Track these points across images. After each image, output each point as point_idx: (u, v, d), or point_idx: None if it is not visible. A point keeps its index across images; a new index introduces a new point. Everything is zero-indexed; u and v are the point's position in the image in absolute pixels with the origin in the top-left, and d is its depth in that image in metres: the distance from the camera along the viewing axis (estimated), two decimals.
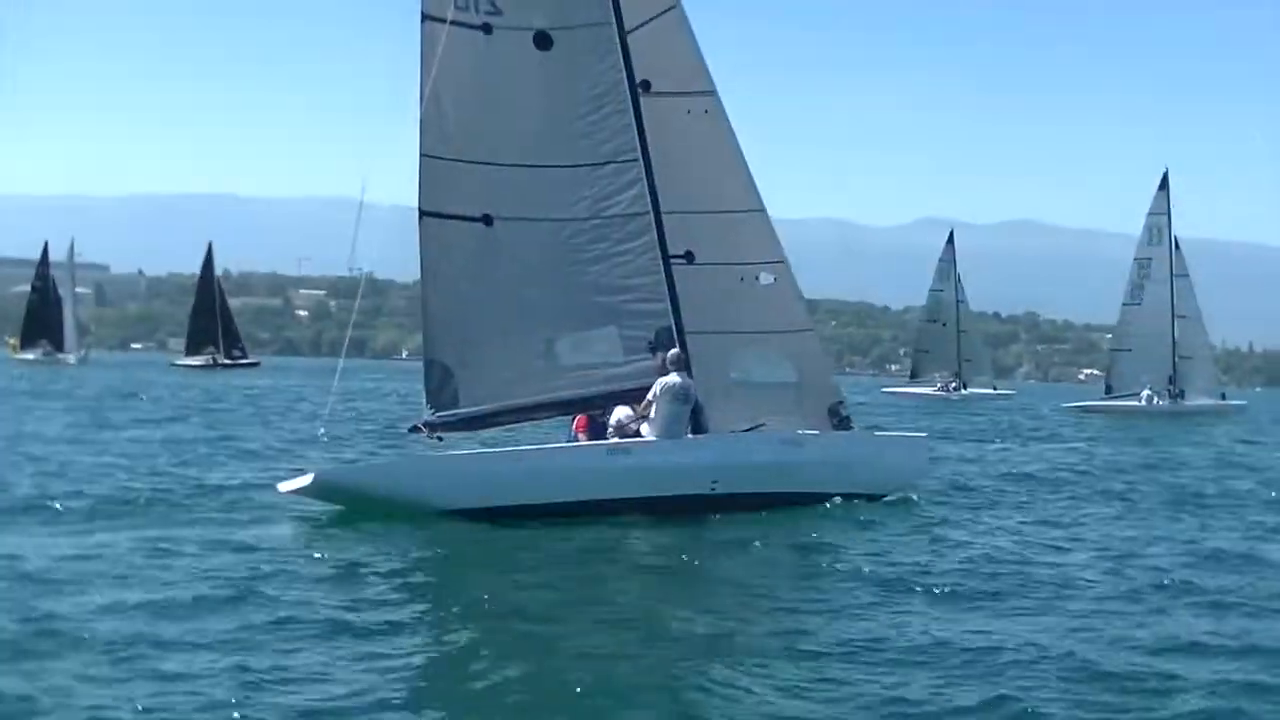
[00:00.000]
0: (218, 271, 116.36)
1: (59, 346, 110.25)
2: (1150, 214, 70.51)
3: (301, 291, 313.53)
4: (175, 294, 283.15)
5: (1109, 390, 71.42)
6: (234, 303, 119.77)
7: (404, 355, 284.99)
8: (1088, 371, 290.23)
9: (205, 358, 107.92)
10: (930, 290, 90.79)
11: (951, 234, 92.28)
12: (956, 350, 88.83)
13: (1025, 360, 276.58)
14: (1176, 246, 70.38)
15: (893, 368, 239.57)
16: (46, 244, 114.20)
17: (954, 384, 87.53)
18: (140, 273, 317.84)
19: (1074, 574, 15.51)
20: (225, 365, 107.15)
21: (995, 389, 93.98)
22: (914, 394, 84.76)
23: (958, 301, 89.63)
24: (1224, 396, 73.45)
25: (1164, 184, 70.56)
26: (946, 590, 13.91)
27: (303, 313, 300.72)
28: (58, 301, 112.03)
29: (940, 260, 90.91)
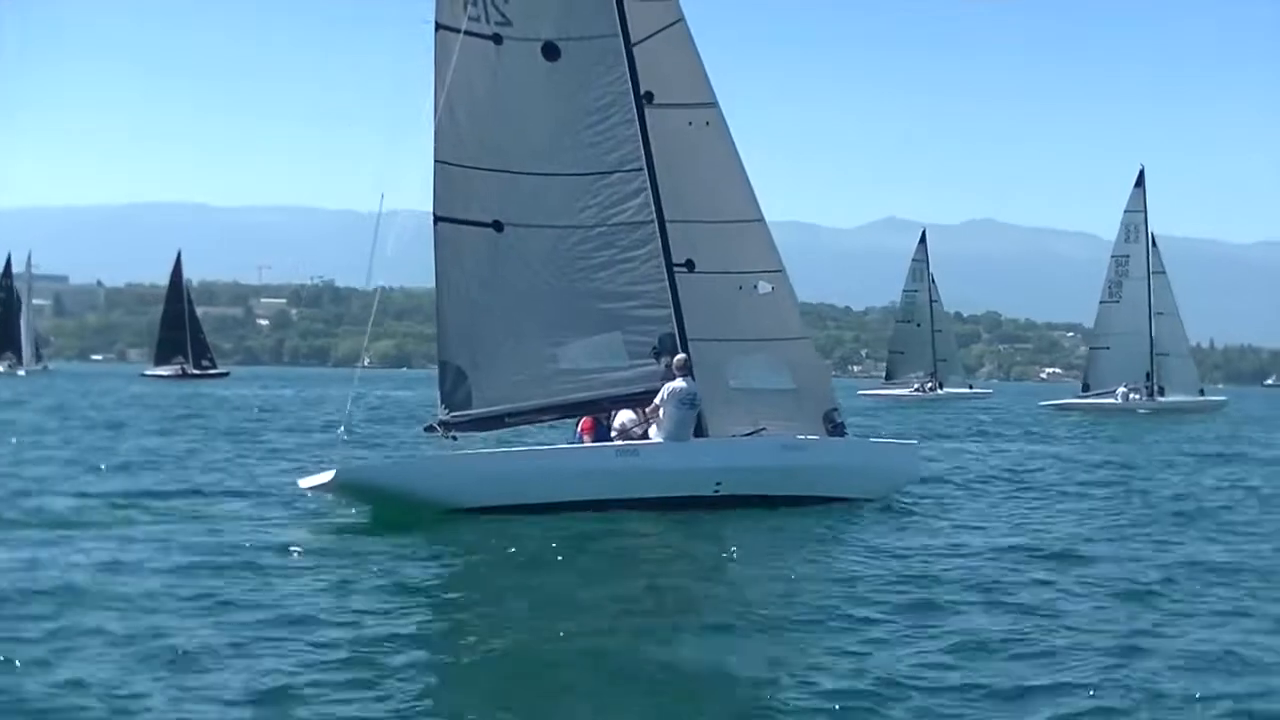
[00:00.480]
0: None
1: (19, 358, 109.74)
2: (1127, 211, 71.13)
3: (263, 300, 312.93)
4: (134, 304, 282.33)
5: (1086, 388, 71.88)
6: (196, 311, 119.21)
7: (366, 363, 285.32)
8: (1050, 370, 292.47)
9: (174, 368, 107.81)
10: (904, 291, 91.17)
11: (924, 234, 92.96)
12: (932, 350, 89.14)
13: (988, 360, 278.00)
14: (1153, 244, 70.97)
15: (855, 369, 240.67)
16: (10, 255, 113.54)
17: (930, 384, 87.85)
18: (99, 284, 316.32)
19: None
20: (194, 375, 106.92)
21: (971, 388, 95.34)
22: (891, 395, 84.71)
23: (932, 302, 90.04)
24: (1203, 393, 74.07)
25: (1140, 181, 71.24)
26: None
27: (264, 321, 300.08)
28: (20, 313, 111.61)
29: (914, 260, 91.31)
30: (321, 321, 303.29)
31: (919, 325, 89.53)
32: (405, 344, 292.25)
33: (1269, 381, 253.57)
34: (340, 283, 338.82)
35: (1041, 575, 15.32)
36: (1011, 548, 17.41)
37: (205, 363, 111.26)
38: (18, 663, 10.36)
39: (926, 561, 16.07)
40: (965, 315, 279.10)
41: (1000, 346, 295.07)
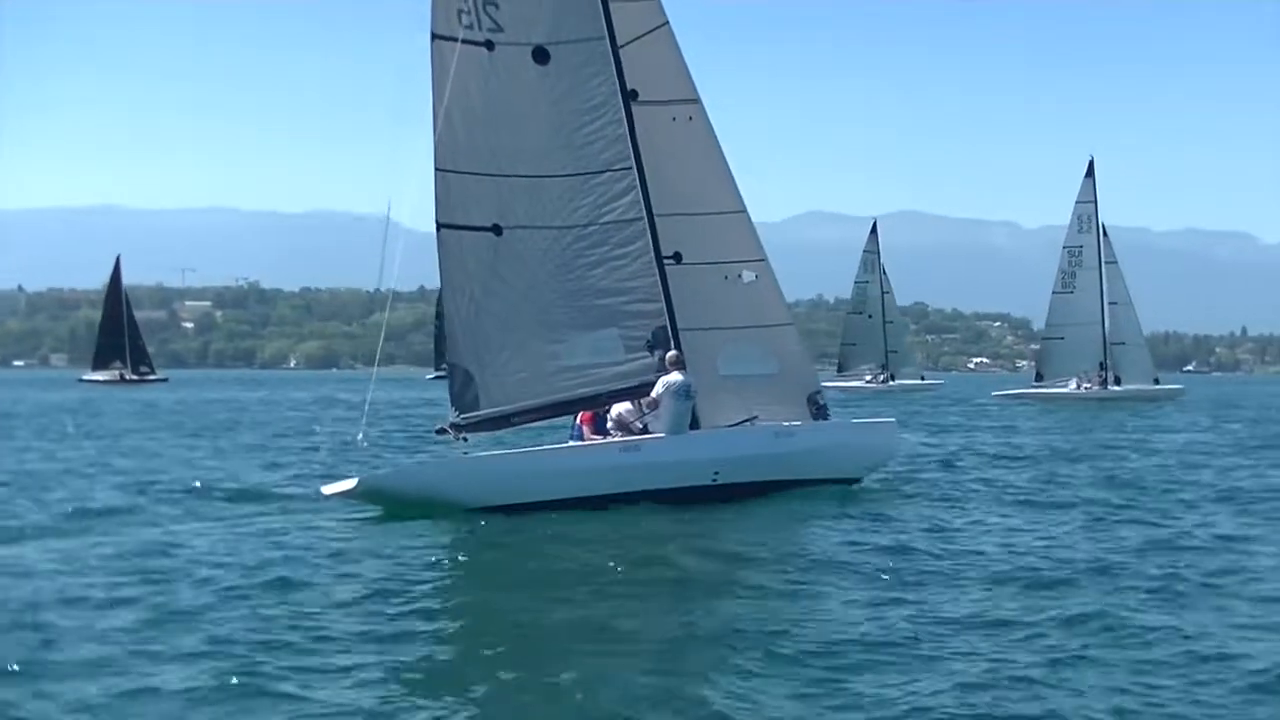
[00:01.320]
0: (99, 285, 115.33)
1: None
2: (1078, 202, 71.61)
3: (187, 303, 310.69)
4: (56, 309, 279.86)
5: (1040, 378, 72.50)
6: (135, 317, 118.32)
7: (292, 364, 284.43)
8: (977, 360, 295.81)
9: (113, 373, 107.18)
10: (855, 282, 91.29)
11: (875, 225, 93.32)
12: (884, 342, 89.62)
13: (916, 350, 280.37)
14: (1104, 234, 71.80)
15: None
16: None
17: (882, 375, 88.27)
18: (20, 288, 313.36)
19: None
20: (133, 381, 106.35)
21: (923, 379, 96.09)
22: (844, 387, 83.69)
23: (883, 293, 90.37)
24: (1158, 381, 74.57)
25: (1090, 171, 71.78)
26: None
27: (188, 325, 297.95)
28: None
29: (865, 252, 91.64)
30: (247, 323, 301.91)
31: (870, 317, 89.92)
32: (333, 344, 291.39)
33: (1188, 368, 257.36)
34: (266, 284, 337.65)
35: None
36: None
37: (144, 368, 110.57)
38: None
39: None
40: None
41: (928, 337, 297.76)
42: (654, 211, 21.56)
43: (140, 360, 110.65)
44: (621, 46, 21.57)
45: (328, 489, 19.88)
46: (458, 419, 20.75)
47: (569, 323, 21.18)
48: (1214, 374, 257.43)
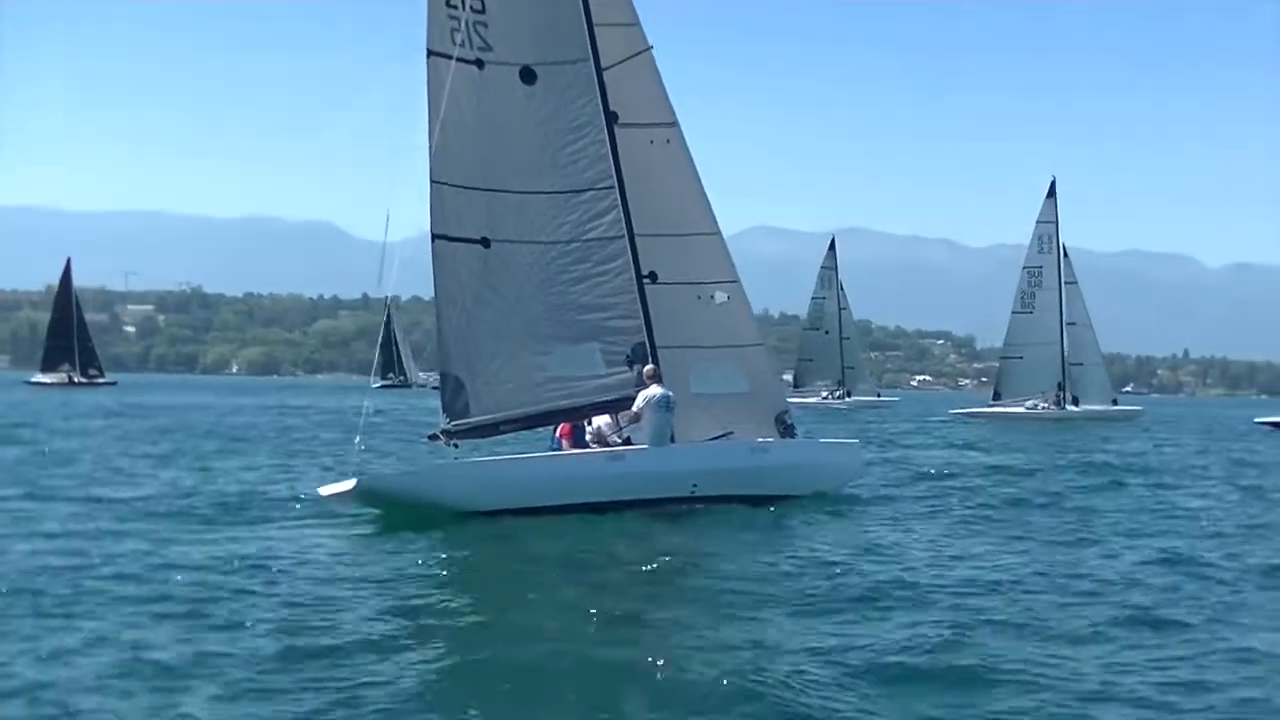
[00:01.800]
0: (39, 286, 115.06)
1: None
2: (1039, 222, 72.22)
3: (129, 307, 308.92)
4: None
5: (998, 396, 72.63)
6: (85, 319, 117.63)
7: (234, 370, 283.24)
8: (920, 377, 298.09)
9: (61, 375, 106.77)
10: (813, 298, 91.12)
11: (833, 241, 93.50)
12: (840, 358, 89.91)
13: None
14: (1065, 254, 72.22)
15: None
16: None
17: (839, 392, 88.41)
18: None
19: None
20: (81, 384, 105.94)
21: (879, 396, 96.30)
22: (801, 404, 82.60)
23: (840, 309, 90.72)
24: (1116, 402, 75.31)
25: (1051, 192, 72.32)
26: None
27: (130, 328, 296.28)
28: None
29: (823, 268, 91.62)
30: (189, 328, 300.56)
31: (827, 333, 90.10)
32: (275, 351, 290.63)
33: (1126, 389, 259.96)
34: (209, 289, 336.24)
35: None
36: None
37: (93, 371, 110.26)
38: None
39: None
40: None
41: (871, 354, 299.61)
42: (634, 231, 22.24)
43: (89, 363, 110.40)
44: (605, 70, 22.23)
45: (325, 490, 20.45)
46: (449, 425, 21.36)
47: (554, 335, 21.87)
48: (1152, 395, 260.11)
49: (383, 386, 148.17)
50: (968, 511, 23.08)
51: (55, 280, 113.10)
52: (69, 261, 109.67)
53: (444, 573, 16.24)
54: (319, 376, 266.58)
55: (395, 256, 21.95)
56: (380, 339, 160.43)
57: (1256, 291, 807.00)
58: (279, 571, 15.33)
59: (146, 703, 9.98)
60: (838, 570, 15.82)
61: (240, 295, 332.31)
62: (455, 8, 21.31)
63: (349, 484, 19.88)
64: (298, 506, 21.36)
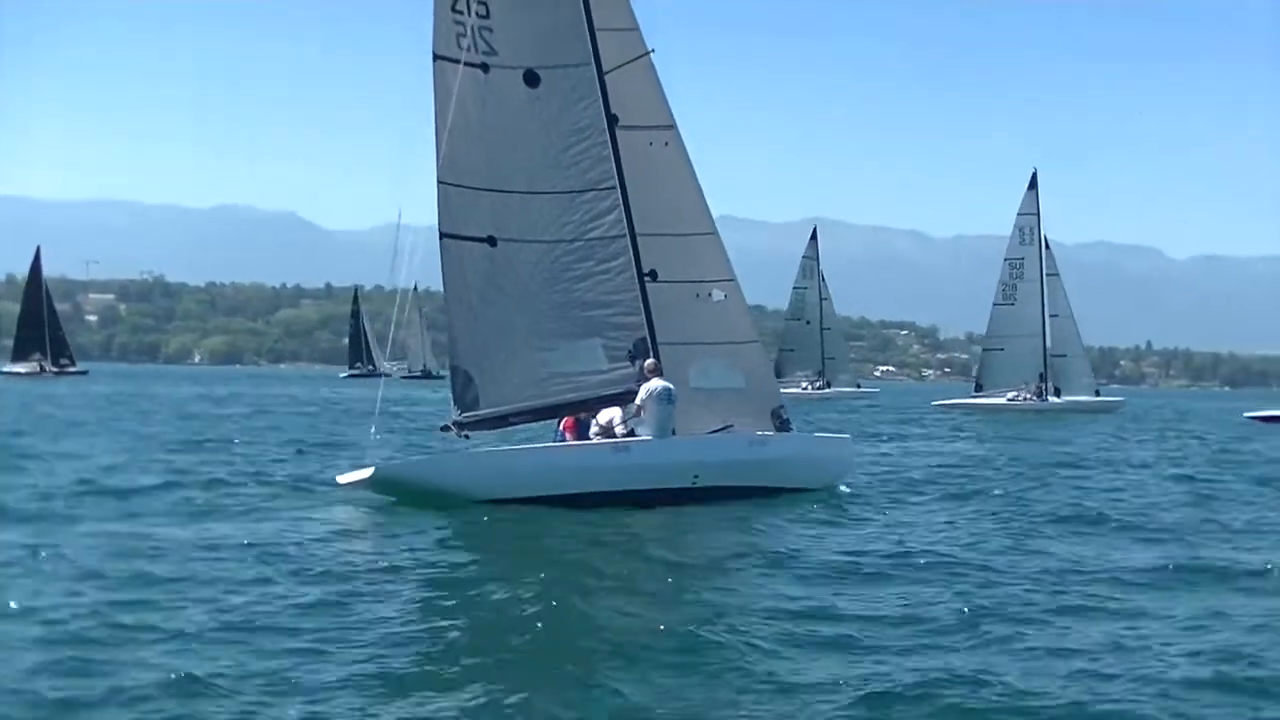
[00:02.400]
0: (1, 275, 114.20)
1: None
2: (1020, 214, 72.28)
3: (91, 296, 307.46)
4: None
5: (979, 388, 73.01)
6: (16, 307, 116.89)
7: (196, 360, 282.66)
8: (884, 368, 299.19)
9: (32, 365, 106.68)
10: (794, 288, 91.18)
11: (815, 232, 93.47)
12: (821, 348, 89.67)
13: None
14: (1046, 246, 72.42)
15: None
16: None
17: (819, 382, 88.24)
18: None
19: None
20: (54, 373, 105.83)
21: (859, 387, 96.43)
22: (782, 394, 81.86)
23: (821, 299, 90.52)
24: (1098, 393, 75.53)
25: (1033, 184, 72.44)
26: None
27: (92, 318, 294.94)
28: None
29: (804, 258, 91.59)
30: (151, 317, 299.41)
31: (808, 323, 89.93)
32: (238, 340, 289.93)
33: (1086, 380, 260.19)
34: (171, 278, 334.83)
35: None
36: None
37: (64, 360, 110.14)
38: None
39: None
40: None
41: None
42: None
43: (60, 352, 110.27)
44: (606, 73, 22.81)
45: (343, 479, 21.06)
46: (460, 418, 21.98)
47: (558, 331, 22.52)
48: (1113, 386, 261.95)
49: (351, 376, 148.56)
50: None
51: (17, 270, 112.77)
52: (38, 251, 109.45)
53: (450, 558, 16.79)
54: (281, 366, 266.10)
55: (407, 249, 22.55)
56: (351, 330, 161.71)
57: (1221, 284, 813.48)
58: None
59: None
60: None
61: (203, 285, 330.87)
62: (461, 13, 21.89)
63: (366, 472, 20.45)
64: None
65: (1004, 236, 73.12)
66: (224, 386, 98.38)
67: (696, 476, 22.08)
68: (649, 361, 22.36)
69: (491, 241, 22.19)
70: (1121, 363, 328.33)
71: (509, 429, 23.01)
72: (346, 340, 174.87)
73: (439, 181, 21.95)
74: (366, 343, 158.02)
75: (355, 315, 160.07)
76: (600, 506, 20.57)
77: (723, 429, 23.36)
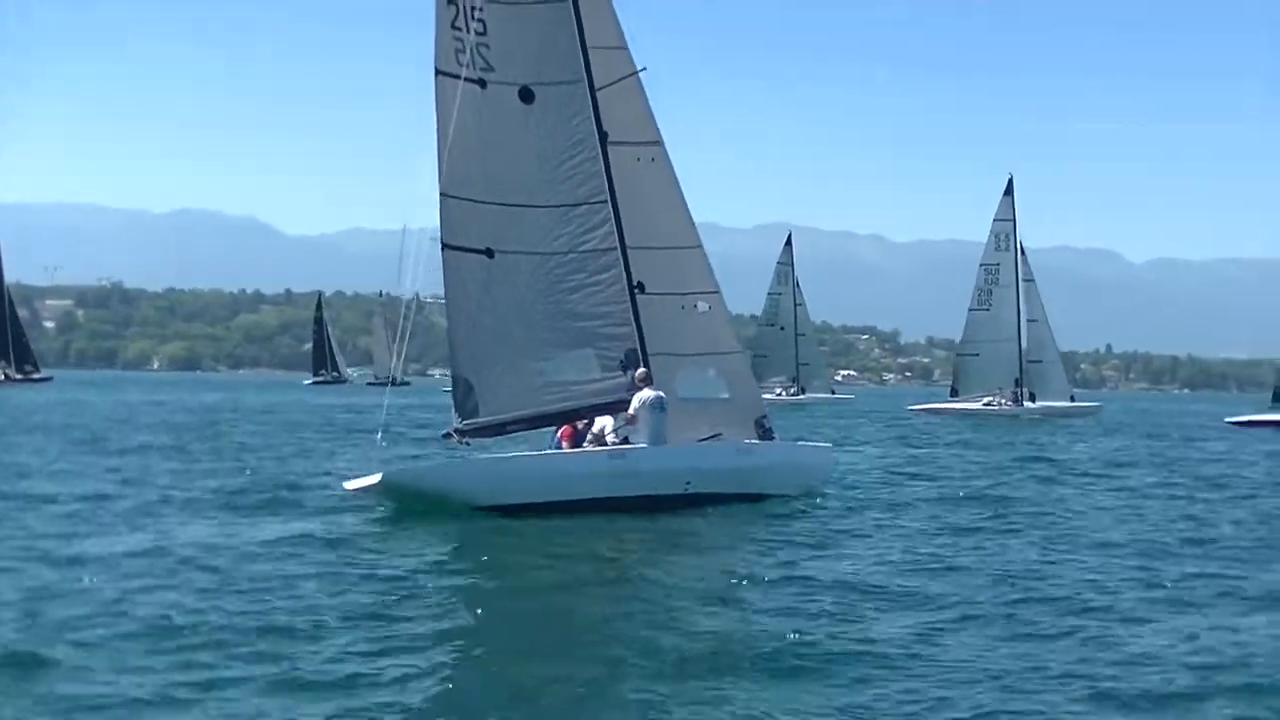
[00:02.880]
0: None
1: None
2: (996, 220, 72.70)
3: (49, 302, 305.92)
4: None
5: (954, 393, 73.21)
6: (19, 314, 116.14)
7: (155, 366, 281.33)
8: (845, 372, 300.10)
9: None
10: (768, 294, 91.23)
11: (789, 237, 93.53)
12: (795, 354, 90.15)
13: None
14: (1022, 252, 72.93)
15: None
16: None
17: (793, 388, 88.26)
18: None
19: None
20: (17, 380, 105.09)
21: (834, 393, 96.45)
22: None
23: (796, 305, 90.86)
24: (1074, 399, 75.82)
25: (1009, 190, 72.92)
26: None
27: (50, 324, 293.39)
28: None
29: (778, 264, 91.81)
30: (110, 324, 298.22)
31: (783, 329, 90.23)
32: (197, 346, 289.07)
33: None
34: (130, 284, 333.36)
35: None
36: None
37: (28, 367, 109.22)
38: None
39: None
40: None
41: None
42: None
43: (24, 359, 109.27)
44: (599, 90, 23.47)
45: (351, 485, 21.58)
46: (461, 425, 22.57)
47: (553, 341, 23.22)
48: (1075, 390, 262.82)
49: (315, 383, 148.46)
50: None
51: None
52: None
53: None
54: (241, 372, 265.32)
55: (412, 257, 23.16)
56: (314, 337, 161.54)
57: (1180, 287, 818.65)
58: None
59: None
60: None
61: (161, 290, 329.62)
62: (460, 29, 22.54)
63: (374, 478, 21.01)
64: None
65: (966, 241, 73.82)
66: (212, 394, 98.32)
67: (688, 483, 22.76)
68: (640, 371, 23.03)
69: (489, 253, 22.85)
70: (1082, 366, 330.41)
71: (507, 436, 23.55)
72: (307, 346, 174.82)
73: (441, 194, 22.61)
74: (331, 349, 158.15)
75: (319, 322, 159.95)
76: (598, 512, 21.29)
77: (712, 437, 24.00)
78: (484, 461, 22.65)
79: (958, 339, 76.66)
